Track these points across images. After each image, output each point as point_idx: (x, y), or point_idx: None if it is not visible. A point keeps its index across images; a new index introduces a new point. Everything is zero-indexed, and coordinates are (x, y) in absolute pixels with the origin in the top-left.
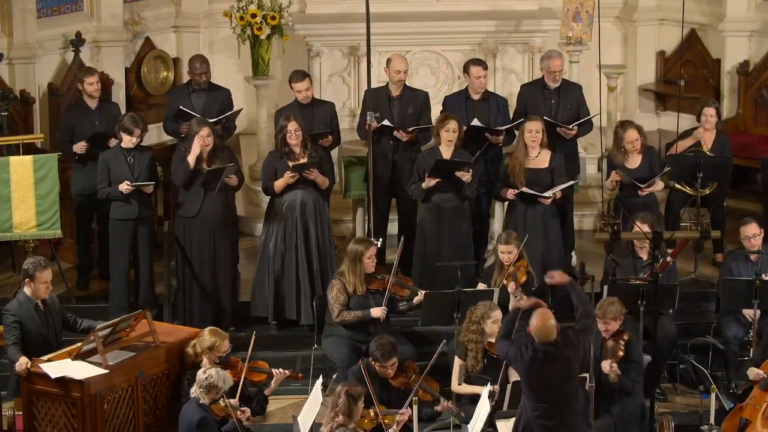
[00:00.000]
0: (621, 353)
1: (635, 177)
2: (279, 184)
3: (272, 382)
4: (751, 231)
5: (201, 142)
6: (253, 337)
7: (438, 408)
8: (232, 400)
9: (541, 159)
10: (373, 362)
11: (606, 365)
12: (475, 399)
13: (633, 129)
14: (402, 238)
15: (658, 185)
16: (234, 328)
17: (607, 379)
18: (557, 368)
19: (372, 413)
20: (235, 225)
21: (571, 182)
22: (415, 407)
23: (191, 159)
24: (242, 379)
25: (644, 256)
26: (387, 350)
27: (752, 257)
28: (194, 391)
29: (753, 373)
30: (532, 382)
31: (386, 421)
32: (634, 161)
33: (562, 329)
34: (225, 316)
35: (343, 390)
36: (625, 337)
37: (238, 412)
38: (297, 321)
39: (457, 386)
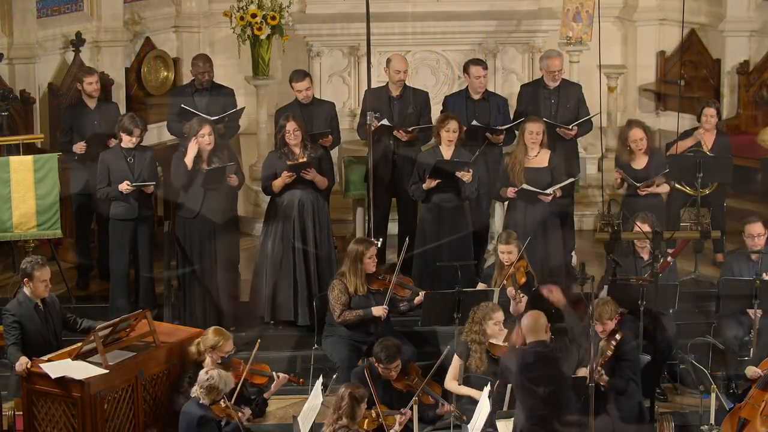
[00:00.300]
0: (609, 353)
1: (640, 177)
2: (277, 183)
3: (272, 385)
4: (756, 230)
5: (197, 142)
6: (257, 343)
7: (440, 411)
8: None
9: (540, 159)
10: (376, 364)
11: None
12: (475, 400)
13: (638, 128)
14: (407, 240)
15: (664, 186)
16: (234, 328)
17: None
18: (548, 371)
19: (373, 414)
20: (236, 225)
21: (571, 179)
22: (415, 407)
23: (188, 160)
24: (241, 381)
25: (645, 255)
26: (391, 352)
27: (753, 257)
28: (195, 391)
29: (751, 371)
30: (526, 388)
31: (387, 422)
32: (640, 161)
33: (554, 332)
34: (225, 316)
35: (346, 392)
36: (618, 337)
37: (239, 413)
38: (294, 322)
39: (451, 384)
